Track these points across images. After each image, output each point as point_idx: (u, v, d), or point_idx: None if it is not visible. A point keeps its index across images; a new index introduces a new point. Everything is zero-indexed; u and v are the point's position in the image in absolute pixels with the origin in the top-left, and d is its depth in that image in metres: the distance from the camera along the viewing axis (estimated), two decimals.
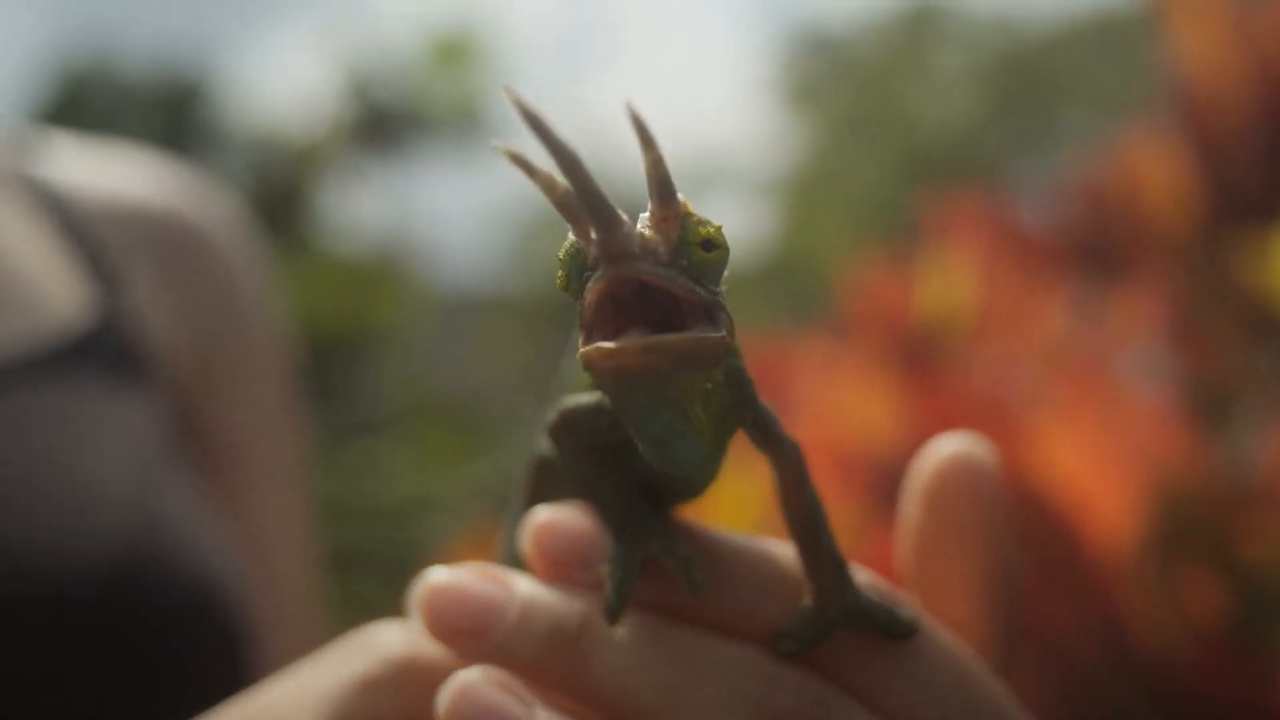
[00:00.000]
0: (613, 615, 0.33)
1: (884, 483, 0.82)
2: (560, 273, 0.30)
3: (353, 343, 4.73)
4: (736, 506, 0.88)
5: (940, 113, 6.71)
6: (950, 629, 0.36)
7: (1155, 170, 1.03)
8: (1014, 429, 0.71)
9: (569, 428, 0.35)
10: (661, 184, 0.28)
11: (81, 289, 0.61)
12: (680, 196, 0.29)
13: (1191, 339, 0.91)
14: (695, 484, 0.36)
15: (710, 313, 0.29)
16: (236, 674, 0.49)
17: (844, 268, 1.46)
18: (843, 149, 6.96)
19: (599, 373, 0.29)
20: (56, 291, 0.60)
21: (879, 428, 0.86)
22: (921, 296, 1.16)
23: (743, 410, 0.33)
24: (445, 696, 0.32)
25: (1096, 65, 6.13)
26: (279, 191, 5.90)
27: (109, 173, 0.70)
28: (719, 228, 0.29)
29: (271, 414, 0.70)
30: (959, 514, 0.36)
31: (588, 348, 0.28)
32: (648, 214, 0.29)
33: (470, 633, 0.33)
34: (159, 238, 0.67)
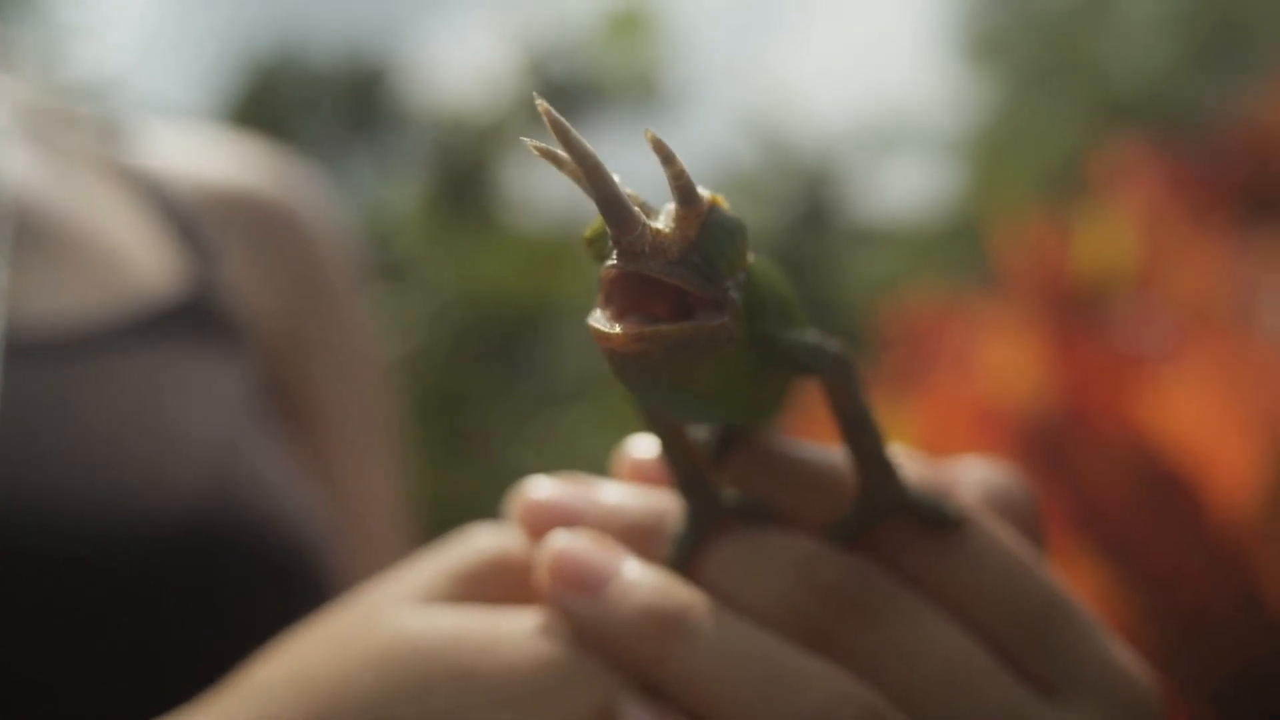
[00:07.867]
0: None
1: (1028, 440, 0.81)
2: (589, 244, 0.33)
3: (539, 315, 4.81)
4: None
5: (1134, 60, 6.47)
6: None
7: None
8: (1146, 385, 0.70)
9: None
10: (683, 190, 0.32)
11: (175, 262, 0.64)
12: (707, 194, 0.32)
13: None
14: (749, 419, 0.38)
15: (719, 303, 0.31)
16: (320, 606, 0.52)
17: (1006, 224, 1.43)
18: (1030, 102, 6.76)
19: (600, 348, 0.31)
20: (150, 263, 0.63)
21: (1025, 385, 0.85)
22: (1081, 251, 1.14)
23: (776, 359, 0.36)
24: (546, 548, 0.37)
25: None
26: (463, 169, 6.02)
27: (200, 155, 0.73)
28: (741, 226, 0.32)
29: (358, 383, 0.73)
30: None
31: (591, 321, 0.31)
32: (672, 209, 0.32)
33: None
34: (248, 216, 0.70)
